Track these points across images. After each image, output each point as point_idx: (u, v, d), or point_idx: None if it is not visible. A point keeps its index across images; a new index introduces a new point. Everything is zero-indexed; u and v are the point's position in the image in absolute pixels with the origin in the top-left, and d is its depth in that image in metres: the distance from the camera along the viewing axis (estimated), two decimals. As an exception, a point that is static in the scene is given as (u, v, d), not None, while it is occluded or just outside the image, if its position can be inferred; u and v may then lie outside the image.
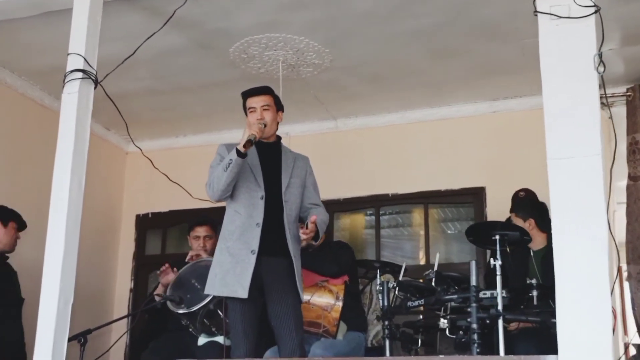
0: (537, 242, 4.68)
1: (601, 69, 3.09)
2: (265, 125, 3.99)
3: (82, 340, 4.36)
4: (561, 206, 3.11)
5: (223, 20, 4.98)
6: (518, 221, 4.76)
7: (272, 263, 3.96)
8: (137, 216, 7.29)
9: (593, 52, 3.15)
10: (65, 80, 4.13)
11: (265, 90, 4.15)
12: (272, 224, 3.97)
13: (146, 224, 7.29)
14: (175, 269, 4.95)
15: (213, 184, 3.96)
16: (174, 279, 4.87)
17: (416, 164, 6.50)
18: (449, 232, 6.74)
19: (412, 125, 6.58)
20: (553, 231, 3.10)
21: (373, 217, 6.78)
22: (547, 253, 4.42)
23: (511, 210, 4.90)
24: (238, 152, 3.84)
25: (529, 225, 4.69)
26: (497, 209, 5.85)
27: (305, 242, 4.05)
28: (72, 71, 4.11)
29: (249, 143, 3.84)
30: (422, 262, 6.43)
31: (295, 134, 6.50)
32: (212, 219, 5.34)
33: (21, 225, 4.96)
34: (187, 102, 6.42)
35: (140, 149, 5.48)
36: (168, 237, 7.36)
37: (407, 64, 5.67)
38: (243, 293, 3.86)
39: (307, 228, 3.91)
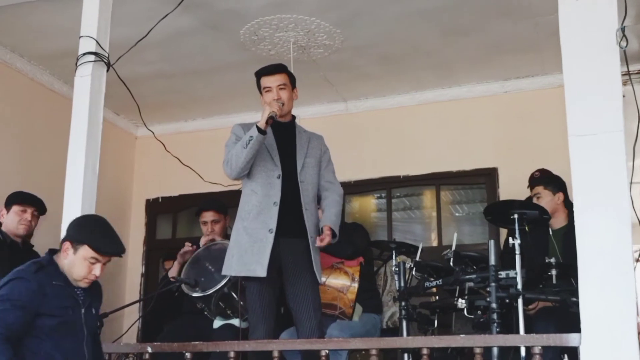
0: (560, 219, 4.57)
1: (624, 43, 3.05)
2: (283, 104, 3.98)
3: (98, 324, 4.37)
4: (583, 183, 3.09)
5: (234, 1, 4.93)
6: (546, 194, 4.62)
7: (291, 244, 3.93)
8: (147, 201, 7.29)
9: (615, 26, 3.11)
10: (78, 63, 4.12)
11: (280, 69, 4.13)
12: (289, 203, 3.94)
13: (156, 208, 7.29)
14: (194, 247, 4.96)
15: (231, 162, 3.93)
16: (188, 262, 4.87)
17: (427, 145, 6.47)
18: (459, 214, 6.72)
19: (423, 106, 6.55)
20: (575, 209, 3.08)
21: (383, 200, 6.76)
22: (568, 230, 4.36)
23: (537, 184, 4.71)
24: (259, 129, 3.82)
25: (557, 199, 4.56)
26: (510, 189, 5.83)
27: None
28: (84, 54, 4.10)
29: (270, 120, 3.83)
30: (435, 243, 6.41)
31: (305, 117, 6.46)
32: (219, 202, 5.32)
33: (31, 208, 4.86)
34: (196, 86, 6.39)
35: (153, 132, 5.46)
36: (178, 222, 7.35)
37: (418, 44, 5.63)
38: (262, 272, 3.82)
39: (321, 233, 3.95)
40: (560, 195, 4.60)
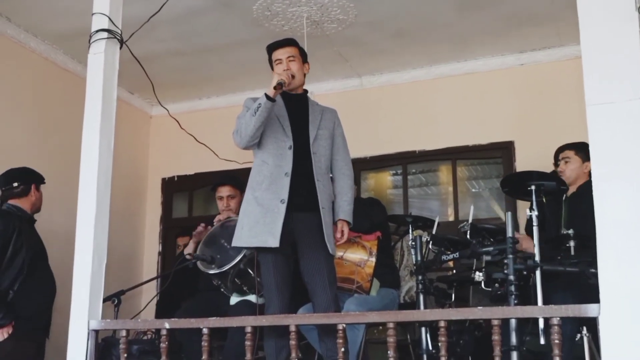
0: (575, 186, 4.53)
1: (643, 8, 2.98)
2: (293, 76, 3.98)
3: (116, 301, 4.40)
4: (601, 153, 3.03)
5: (246, -24, 4.91)
6: (576, 160, 4.53)
7: (304, 218, 3.90)
8: (163, 179, 7.32)
9: (634, -9, 3.04)
10: (91, 41, 4.09)
11: (289, 42, 4.15)
12: (301, 175, 3.91)
13: (172, 187, 7.32)
14: (209, 227, 4.96)
15: (241, 130, 3.92)
16: (204, 239, 4.87)
17: (443, 119, 6.44)
18: (476, 190, 6.68)
19: (438, 80, 6.51)
20: (593, 178, 3.03)
21: (399, 177, 6.74)
22: (574, 195, 4.31)
23: (568, 148, 4.60)
24: (267, 96, 3.80)
25: (585, 167, 4.46)
26: (527, 162, 5.79)
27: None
28: (97, 31, 4.08)
29: (279, 86, 3.82)
30: (451, 218, 6.39)
31: (319, 93, 6.44)
32: (235, 178, 5.32)
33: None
34: (210, 63, 6.37)
35: (168, 110, 5.46)
36: (194, 200, 7.37)
37: (432, 18, 5.58)
38: (274, 242, 3.79)
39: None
40: (588, 165, 4.51)
